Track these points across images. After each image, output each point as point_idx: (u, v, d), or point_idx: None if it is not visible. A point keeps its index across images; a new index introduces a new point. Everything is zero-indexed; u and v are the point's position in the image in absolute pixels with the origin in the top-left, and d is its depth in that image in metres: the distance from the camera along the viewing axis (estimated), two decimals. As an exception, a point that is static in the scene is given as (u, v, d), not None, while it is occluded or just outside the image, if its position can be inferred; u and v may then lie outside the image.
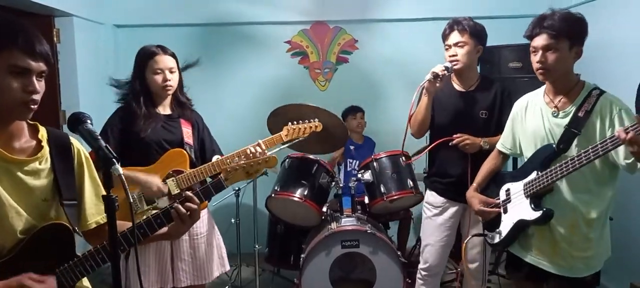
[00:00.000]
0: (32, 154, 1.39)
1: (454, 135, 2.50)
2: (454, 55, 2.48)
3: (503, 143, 2.25)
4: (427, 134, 2.74)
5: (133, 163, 2.31)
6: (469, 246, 2.65)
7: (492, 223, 2.20)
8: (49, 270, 1.38)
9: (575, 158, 1.79)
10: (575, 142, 1.89)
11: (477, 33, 2.49)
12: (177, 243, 2.38)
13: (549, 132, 1.97)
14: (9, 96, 1.26)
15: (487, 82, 2.60)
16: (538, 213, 1.94)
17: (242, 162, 1.75)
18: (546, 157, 1.95)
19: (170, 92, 2.40)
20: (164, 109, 2.43)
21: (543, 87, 2.07)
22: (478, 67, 2.76)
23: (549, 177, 1.89)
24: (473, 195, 2.27)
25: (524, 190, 2.01)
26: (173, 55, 2.40)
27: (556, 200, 1.95)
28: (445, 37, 2.54)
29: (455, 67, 2.50)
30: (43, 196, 1.40)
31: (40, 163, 1.40)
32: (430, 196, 2.71)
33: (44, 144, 1.42)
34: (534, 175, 1.97)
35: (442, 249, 2.68)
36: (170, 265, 2.39)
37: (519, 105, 2.16)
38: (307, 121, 2.56)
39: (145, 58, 2.34)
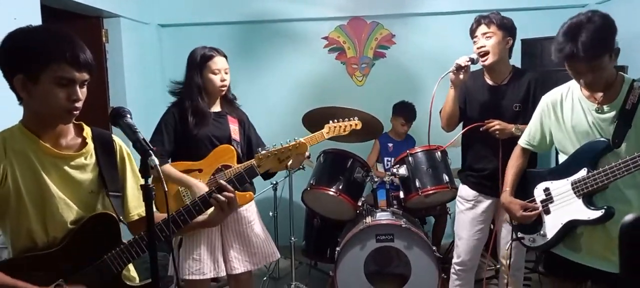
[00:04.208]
0: (78, 150, 1.51)
1: (485, 121, 2.47)
2: (482, 47, 2.45)
3: (529, 140, 2.16)
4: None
5: (185, 158, 2.44)
6: (501, 244, 2.63)
7: (529, 225, 2.10)
8: (97, 258, 1.49)
9: None
10: (626, 136, 1.81)
11: (504, 25, 2.45)
12: (226, 233, 2.49)
13: (593, 126, 1.88)
14: (55, 104, 1.37)
15: (520, 74, 2.55)
16: (599, 213, 1.84)
17: (274, 149, 1.80)
18: (597, 152, 1.86)
19: (224, 91, 2.53)
20: (214, 107, 2.55)
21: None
22: (519, 60, 2.70)
23: (609, 175, 1.80)
24: (511, 201, 2.12)
25: (574, 188, 1.91)
26: (226, 57, 2.54)
27: (608, 197, 1.86)
28: (472, 31, 2.53)
29: (485, 62, 2.47)
30: (89, 188, 1.51)
31: (85, 159, 1.51)
32: (463, 190, 2.69)
33: (89, 141, 1.53)
34: (583, 172, 1.88)
35: (475, 244, 2.65)
36: (221, 254, 2.49)
37: (549, 100, 2.06)
38: (347, 119, 2.61)
39: (204, 59, 2.47)
